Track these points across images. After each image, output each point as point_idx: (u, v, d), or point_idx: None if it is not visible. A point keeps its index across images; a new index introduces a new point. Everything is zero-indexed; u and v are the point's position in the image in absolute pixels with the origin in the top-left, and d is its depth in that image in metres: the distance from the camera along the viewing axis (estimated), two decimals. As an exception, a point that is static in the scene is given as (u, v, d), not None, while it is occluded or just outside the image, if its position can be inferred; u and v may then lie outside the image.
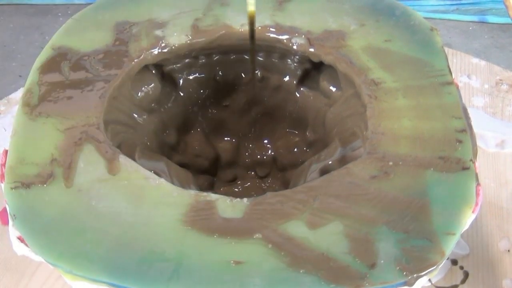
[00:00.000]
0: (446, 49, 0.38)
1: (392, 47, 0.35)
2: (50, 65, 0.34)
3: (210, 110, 0.43)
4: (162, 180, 0.28)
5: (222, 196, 0.28)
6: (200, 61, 0.40)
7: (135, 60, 0.35)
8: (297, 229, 0.26)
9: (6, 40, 1.04)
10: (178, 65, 0.40)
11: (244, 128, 0.44)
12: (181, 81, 0.41)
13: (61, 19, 1.11)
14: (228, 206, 0.27)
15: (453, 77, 0.33)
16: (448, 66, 0.33)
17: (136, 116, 0.38)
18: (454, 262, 0.40)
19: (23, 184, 0.28)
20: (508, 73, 0.56)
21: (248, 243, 0.25)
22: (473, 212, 0.27)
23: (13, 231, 0.27)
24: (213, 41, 0.36)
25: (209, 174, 0.44)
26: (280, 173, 0.45)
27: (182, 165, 0.40)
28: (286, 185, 0.43)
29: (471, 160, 0.28)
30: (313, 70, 0.40)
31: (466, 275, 0.39)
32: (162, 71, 0.39)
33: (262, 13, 0.37)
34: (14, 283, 0.39)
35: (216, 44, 0.37)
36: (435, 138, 0.29)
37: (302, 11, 0.37)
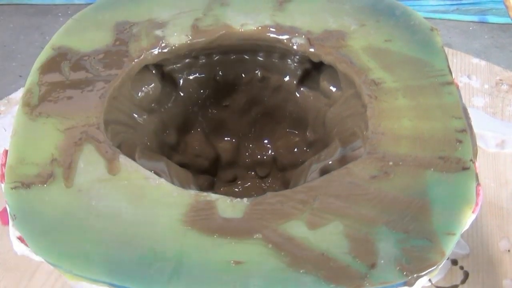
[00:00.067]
0: (446, 49, 0.38)
1: (392, 47, 0.35)
2: (50, 65, 0.34)
3: (210, 110, 0.43)
4: (162, 180, 0.28)
5: (222, 196, 0.28)
6: (200, 61, 0.40)
7: (135, 60, 0.35)
8: (297, 229, 0.26)
9: (6, 40, 1.04)
10: (178, 65, 0.40)
11: (244, 128, 0.44)
12: (181, 81, 0.41)
13: (61, 19, 1.11)
14: (228, 206, 0.27)
15: (453, 77, 0.33)
16: (448, 66, 0.33)
17: (136, 116, 0.38)
18: (454, 262, 0.40)
19: (23, 184, 0.28)
20: (508, 73, 0.56)
21: (248, 243, 0.25)
22: (473, 212, 0.27)
23: (13, 231, 0.27)
24: (213, 41, 0.36)
25: (209, 174, 0.44)
26: (280, 173, 0.45)
27: (182, 165, 0.40)
28: (286, 185, 0.43)
29: (471, 160, 0.28)
30: (313, 70, 0.40)
31: (466, 275, 0.39)
32: (162, 71, 0.39)
33: (262, 13, 0.37)
34: (14, 283, 0.39)
35: (216, 44, 0.37)
36: (435, 138, 0.29)
37: (302, 11, 0.37)
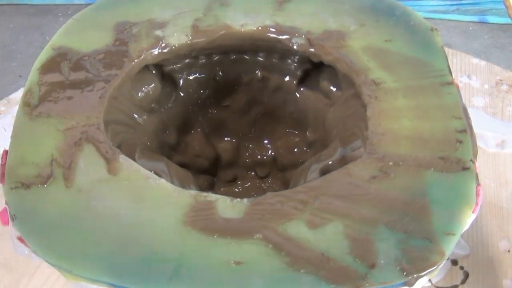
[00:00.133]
0: (446, 49, 0.38)
1: (392, 47, 0.35)
2: (50, 65, 0.34)
3: (210, 110, 0.43)
4: (162, 180, 0.28)
5: (222, 196, 0.28)
6: (200, 61, 0.40)
7: (135, 60, 0.35)
8: (297, 229, 0.26)
9: (6, 40, 1.04)
10: (178, 65, 0.40)
11: (244, 128, 0.44)
12: (181, 81, 0.41)
13: (61, 19, 1.11)
14: (228, 206, 0.27)
15: (453, 77, 0.33)
16: (448, 66, 0.33)
17: (136, 116, 0.38)
18: (454, 262, 0.40)
19: (23, 185, 0.28)
20: (508, 73, 0.56)
21: (248, 243, 0.25)
22: (473, 212, 0.27)
23: (13, 232, 0.27)
24: (213, 41, 0.36)
25: (209, 174, 0.44)
26: (280, 173, 0.45)
27: (182, 165, 0.40)
28: (286, 185, 0.43)
29: (471, 160, 0.28)
30: (313, 70, 0.40)
31: (466, 275, 0.39)
32: (162, 71, 0.39)
33: (262, 13, 0.37)
34: (14, 283, 0.39)
35: (216, 44, 0.37)
36: (435, 138, 0.29)
37: (302, 11, 0.37)
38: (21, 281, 0.39)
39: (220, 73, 0.41)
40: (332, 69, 0.36)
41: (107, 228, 0.26)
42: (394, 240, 0.25)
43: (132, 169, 0.29)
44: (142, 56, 0.35)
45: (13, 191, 0.27)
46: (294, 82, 0.41)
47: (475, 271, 0.40)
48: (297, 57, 0.39)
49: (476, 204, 0.27)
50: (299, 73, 0.40)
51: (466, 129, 0.30)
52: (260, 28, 0.36)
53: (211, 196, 0.27)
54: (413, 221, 0.26)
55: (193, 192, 0.28)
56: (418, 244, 0.25)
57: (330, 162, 0.34)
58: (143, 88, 0.38)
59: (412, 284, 0.24)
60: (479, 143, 0.48)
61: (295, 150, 0.44)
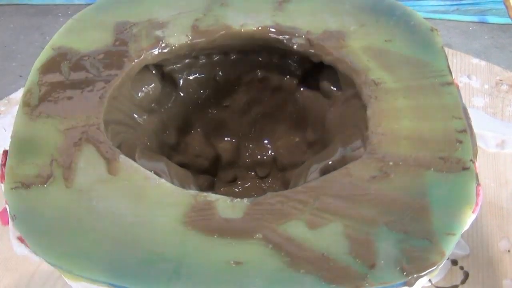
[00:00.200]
0: (446, 49, 0.38)
1: (392, 47, 0.35)
2: (50, 65, 0.34)
3: (210, 110, 0.43)
4: (162, 180, 0.28)
5: (222, 196, 0.28)
6: (200, 61, 0.40)
7: (135, 60, 0.35)
8: (297, 229, 0.26)
9: (6, 40, 1.04)
10: (178, 65, 0.40)
11: (244, 128, 0.44)
12: (181, 81, 0.41)
13: (61, 19, 1.11)
14: (228, 206, 0.27)
15: (453, 78, 0.33)
16: (448, 67, 0.33)
17: (136, 116, 0.38)
18: (454, 262, 0.40)
19: (23, 185, 0.28)
20: (508, 74, 0.56)
21: (248, 243, 0.25)
22: (473, 212, 0.27)
23: (13, 232, 0.27)
24: (213, 41, 0.36)
25: (209, 174, 0.44)
26: (280, 173, 0.45)
27: (182, 165, 0.40)
28: (286, 185, 0.43)
29: (471, 160, 0.28)
30: (313, 70, 0.40)
31: (466, 275, 0.39)
32: (162, 71, 0.39)
33: (262, 13, 0.37)
34: (14, 283, 0.39)
35: (216, 44, 0.37)
36: (435, 139, 0.29)
37: (302, 11, 0.37)
38: (21, 281, 0.39)
39: (220, 73, 0.41)
40: (332, 69, 0.36)
41: (107, 228, 0.26)
42: (394, 240, 0.25)
43: (132, 169, 0.29)
44: (142, 56, 0.35)
45: (13, 191, 0.27)
46: (294, 82, 0.41)
47: (475, 271, 0.40)
48: (297, 57, 0.39)
49: (476, 204, 0.27)
50: (299, 73, 0.40)
51: (466, 129, 0.30)
52: (260, 28, 0.36)
53: (211, 196, 0.27)
54: (413, 221, 0.26)
55: (193, 192, 0.28)
56: (418, 244, 0.25)
57: (330, 162, 0.34)
58: (143, 88, 0.38)
59: (412, 284, 0.24)
60: (479, 143, 0.48)
61: (295, 150, 0.44)
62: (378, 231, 0.25)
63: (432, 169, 0.28)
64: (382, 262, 0.24)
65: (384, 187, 0.27)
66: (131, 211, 0.27)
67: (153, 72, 0.38)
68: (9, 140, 0.30)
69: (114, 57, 0.34)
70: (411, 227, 0.26)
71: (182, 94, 0.41)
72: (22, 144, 0.30)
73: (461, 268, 0.40)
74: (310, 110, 0.41)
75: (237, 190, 0.45)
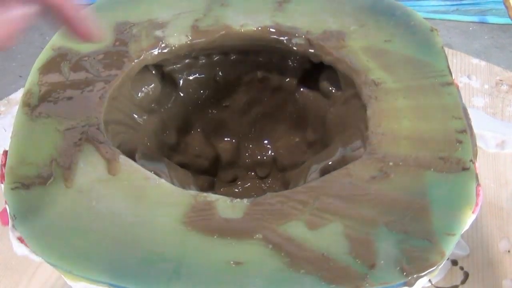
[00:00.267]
0: (446, 49, 0.38)
1: (392, 48, 0.35)
2: (50, 66, 0.34)
3: (210, 111, 0.43)
4: (162, 180, 0.28)
5: (222, 196, 0.28)
6: (200, 61, 0.40)
7: (135, 61, 0.35)
8: (297, 229, 0.26)
9: (6, 40, 1.04)
10: (178, 65, 0.40)
11: (244, 129, 0.44)
12: (181, 82, 0.41)
13: (61, 19, 1.11)
14: (228, 207, 0.27)
15: (453, 78, 0.33)
16: (448, 67, 0.33)
17: (136, 116, 0.38)
18: (454, 262, 0.40)
19: (23, 185, 0.28)
20: (508, 74, 0.56)
21: (248, 243, 0.25)
22: (473, 212, 0.27)
23: (13, 232, 0.27)
24: (213, 42, 0.36)
25: (209, 174, 0.44)
26: (280, 174, 0.45)
27: (182, 165, 0.40)
28: (286, 185, 0.43)
29: (471, 160, 0.28)
30: (313, 71, 0.40)
31: (466, 275, 0.39)
32: (162, 71, 0.39)
33: (262, 14, 0.37)
34: (14, 284, 0.39)
35: (216, 45, 0.37)
36: (435, 139, 0.29)
37: (302, 11, 0.37)
38: (21, 281, 0.39)
39: (220, 73, 0.41)
40: (332, 69, 0.36)
41: (107, 228, 0.26)
42: (394, 240, 0.25)
43: (132, 169, 0.29)
44: (142, 56, 0.35)
45: (13, 191, 0.27)
46: (294, 82, 0.41)
47: (475, 272, 0.40)
48: (297, 57, 0.39)
49: (476, 204, 0.27)
50: (299, 73, 0.40)
51: (466, 129, 0.30)
52: (260, 28, 0.36)
53: (211, 196, 0.27)
54: (413, 221, 0.26)
55: (193, 192, 0.28)
56: (418, 244, 0.25)
57: (330, 163, 0.34)
58: (143, 88, 0.38)
59: (412, 284, 0.24)
60: (479, 143, 0.48)
61: (295, 150, 0.44)
62: (378, 231, 0.25)
63: (432, 169, 0.28)
64: (382, 262, 0.24)
65: (384, 187, 0.27)
66: (131, 211, 0.27)
67: (153, 72, 0.38)
68: (9, 140, 0.30)
69: (114, 57, 0.34)
70: (411, 227, 0.25)
71: (182, 94, 0.41)
72: (22, 144, 0.30)
73: (461, 268, 0.40)
74: (310, 110, 0.41)
75: (237, 190, 0.45)
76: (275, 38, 0.36)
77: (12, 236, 0.27)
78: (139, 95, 0.37)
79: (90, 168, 0.28)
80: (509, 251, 0.41)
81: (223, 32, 0.36)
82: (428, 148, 0.29)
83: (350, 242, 0.25)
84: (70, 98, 0.32)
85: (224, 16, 0.37)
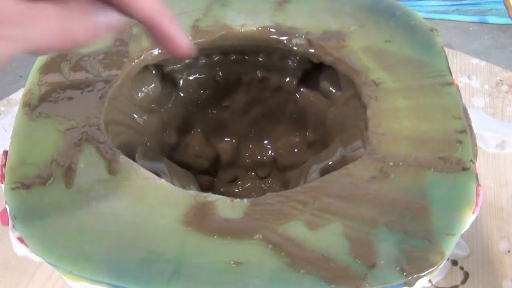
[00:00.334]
0: (446, 49, 0.38)
1: (392, 48, 0.35)
2: (50, 66, 0.34)
3: (210, 111, 0.43)
4: (162, 180, 0.28)
5: (222, 196, 0.28)
6: (200, 61, 0.40)
7: (135, 61, 0.35)
8: (297, 229, 0.26)
9: (6, 41, 1.04)
10: (178, 65, 0.40)
11: (244, 129, 0.44)
12: (181, 82, 0.41)
13: (61, 19, 1.11)
14: (228, 207, 0.27)
15: (453, 78, 0.33)
16: (448, 67, 0.33)
17: (136, 116, 0.38)
18: (454, 262, 0.40)
19: (23, 185, 0.28)
20: (508, 74, 0.56)
21: (248, 243, 0.25)
22: (473, 212, 0.27)
23: (13, 232, 0.27)
24: (213, 42, 0.36)
25: (209, 174, 0.44)
26: (280, 174, 0.45)
27: (182, 165, 0.40)
28: (286, 185, 0.43)
29: (471, 160, 0.28)
30: (313, 71, 0.40)
31: (466, 275, 0.39)
32: (162, 71, 0.39)
33: (262, 14, 0.37)
34: (14, 284, 0.39)
35: (216, 45, 0.37)
36: (435, 139, 0.29)
37: (302, 11, 0.37)
38: (21, 281, 0.39)
39: (220, 74, 0.41)
40: (332, 69, 0.36)
41: (107, 228, 0.26)
42: (394, 240, 0.25)
43: (132, 169, 0.29)
44: (142, 56, 0.35)
45: (13, 191, 0.27)
46: (294, 82, 0.41)
47: (475, 272, 0.40)
48: (297, 57, 0.39)
49: (476, 204, 0.27)
50: (299, 73, 0.40)
51: (466, 130, 0.30)
52: (260, 28, 0.36)
53: (211, 196, 0.27)
54: (413, 221, 0.26)
55: (193, 192, 0.28)
56: (418, 244, 0.25)
57: (330, 163, 0.34)
58: (143, 88, 0.38)
59: (412, 285, 0.24)
60: (479, 143, 0.48)
61: (295, 150, 0.44)
62: (378, 231, 0.25)
63: (432, 169, 0.28)
64: (382, 262, 0.24)
65: (384, 187, 0.27)
66: (131, 211, 0.27)
67: (153, 72, 0.38)
68: (9, 140, 0.30)
69: (114, 57, 0.34)
70: (411, 227, 0.25)
71: (182, 94, 0.41)
72: (22, 145, 0.30)
73: (461, 268, 0.40)
74: (310, 111, 0.41)
75: (237, 190, 0.45)
76: (275, 38, 0.36)
77: (12, 236, 0.27)
78: (139, 95, 0.37)
79: (90, 168, 0.28)
80: (509, 251, 0.41)
81: (223, 32, 0.36)
82: (428, 148, 0.29)
83: (350, 242, 0.25)
84: (70, 98, 0.32)
85: (224, 16, 0.37)
